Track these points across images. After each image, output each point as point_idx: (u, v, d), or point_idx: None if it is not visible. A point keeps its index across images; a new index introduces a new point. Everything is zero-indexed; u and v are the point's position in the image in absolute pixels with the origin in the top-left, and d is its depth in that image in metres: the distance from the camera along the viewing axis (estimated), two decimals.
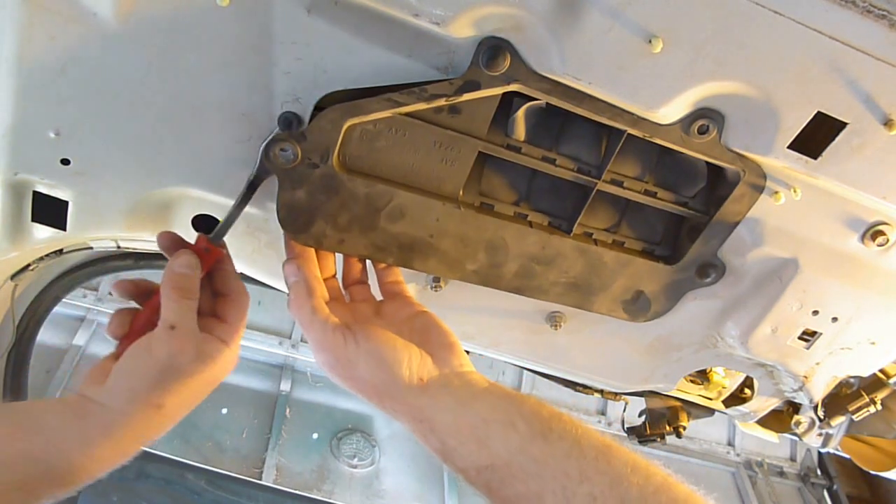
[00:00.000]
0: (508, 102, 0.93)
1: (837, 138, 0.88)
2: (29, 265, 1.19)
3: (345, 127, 0.88)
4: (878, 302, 1.08)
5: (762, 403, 1.40)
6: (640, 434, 1.64)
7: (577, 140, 1.00)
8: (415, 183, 0.97)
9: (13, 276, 1.22)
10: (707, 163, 0.97)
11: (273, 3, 0.80)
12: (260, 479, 3.30)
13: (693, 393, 1.47)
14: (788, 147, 0.90)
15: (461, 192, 1.00)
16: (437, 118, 0.91)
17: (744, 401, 1.43)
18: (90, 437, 0.79)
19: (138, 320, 0.90)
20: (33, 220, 1.02)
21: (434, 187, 0.98)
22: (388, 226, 0.98)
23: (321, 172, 0.91)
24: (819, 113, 0.86)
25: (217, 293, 0.95)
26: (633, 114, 0.89)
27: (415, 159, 0.95)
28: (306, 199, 0.93)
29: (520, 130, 0.96)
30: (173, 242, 0.91)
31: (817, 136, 0.89)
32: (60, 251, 1.16)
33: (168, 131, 0.90)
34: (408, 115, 0.89)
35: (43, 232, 1.04)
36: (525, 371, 1.52)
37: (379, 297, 1.02)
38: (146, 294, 0.93)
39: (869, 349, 1.15)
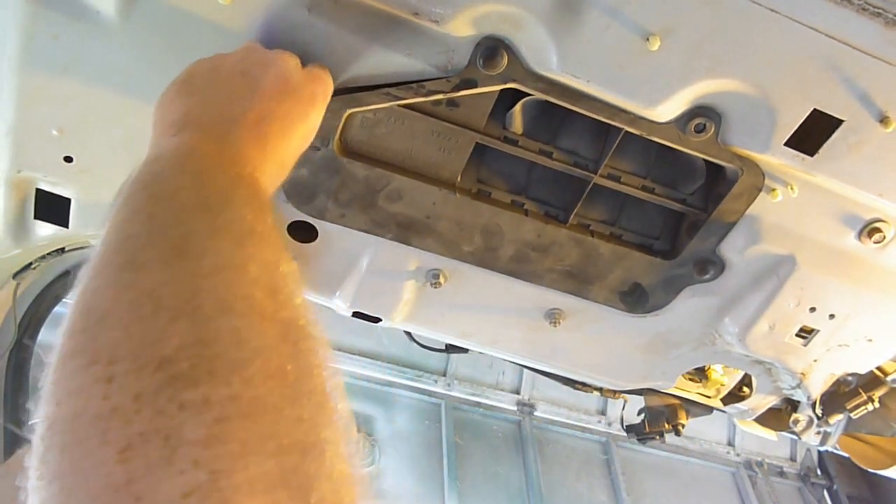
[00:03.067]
0: (508, 94, 0.94)
1: (834, 135, 0.89)
2: (31, 263, 1.20)
3: (345, 115, 0.90)
4: (875, 299, 1.08)
5: (760, 401, 1.40)
6: (639, 432, 1.65)
7: (576, 135, 1.01)
8: (412, 168, 1.00)
9: (15, 275, 1.22)
10: (706, 161, 0.98)
11: (274, 2, 0.80)
12: None
13: (691, 391, 1.48)
14: (785, 144, 0.90)
15: (459, 178, 1.02)
16: (435, 110, 0.93)
17: (742, 398, 1.43)
18: None
19: None
20: (36, 217, 1.02)
21: (431, 173, 1.01)
22: (387, 205, 1.01)
23: (322, 155, 0.94)
24: (815, 110, 0.86)
25: None
26: (630, 112, 0.89)
27: (413, 146, 0.97)
28: (309, 177, 0.97)
29: (517, 124, 0.97)
30: None
31: (814, 133, 0.90)
32: (62, 249, 1.17)
33: None
34: (406, 106, 0.91)
35: (45, 229, 1.04)
36: (525, 369, 1.52)
37: None
38: None
39: (866, 346, 1.15)
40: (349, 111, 0.90)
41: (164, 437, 0.35)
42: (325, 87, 0.79)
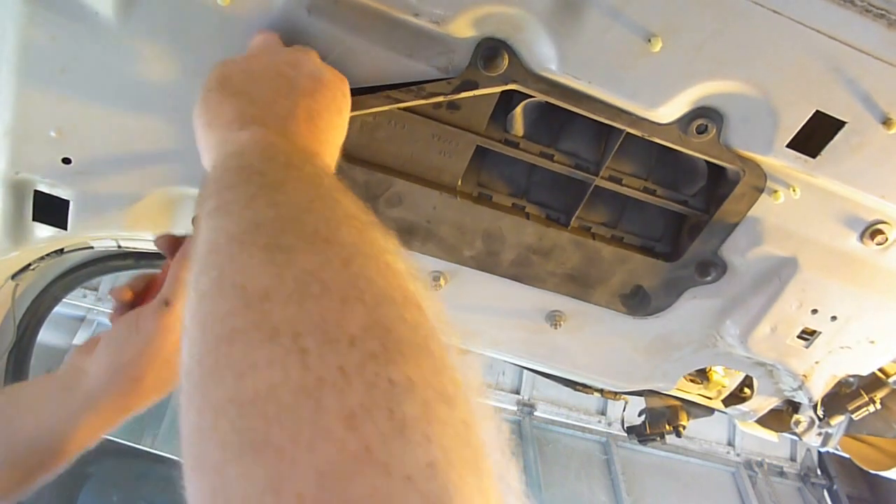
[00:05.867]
0: (509, 97, 0.93)
1: (836, 137, 0.88)
2: (30, 265, 1.19)
3: None
4: (877, 301, 1.08)
5: (762, 402, 1.40)
6: (639, 433, 1.64)
7: (576, 136, 1.00)
8: (413, 172, 0.99)
9: (14, 276, 1.22)
10: (707, 162, 0.97)
11: (273, 3, 0.80)
12: None
13: (693, 392, 1.47)
14: (787, 146, 0.90)
15: (459, 182, 1.01)
16: (436, 113, 0.92)
17: (743, 400, 1.43)
18: (74, 408, 0.80)
19: (145, 291, 0.90)
20: (34, 219, 1.02)
21: (432, 177, 1.00)
22: (387, 210, 1.00)
23: None
24: (818, 112, 0.86)
25: None
26: (631, 113, 0.89)
27: (413, 150, 0.96)
28: None
29: (518, 126, 0.97)
30: (171, 244, 0.91)
31: (816, 135, 0.89)
32: (61, 251, 1.16)
33: (169, 130, 0.91)
34: (406, 109, 0.90)
35: (44, 231, 1.04)
36: (525, 370, 1.52)
37: None
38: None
39: (868, 348, 1.15)
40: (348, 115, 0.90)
41: (389, 410, 0.34)
42: (347, 82, 0.79)
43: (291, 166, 0.55)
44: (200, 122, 0.65)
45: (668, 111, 0.88)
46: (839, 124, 0.87)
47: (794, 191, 0.96)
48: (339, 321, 0.38)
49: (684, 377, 1.37)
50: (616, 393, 1.53)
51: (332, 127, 0.69)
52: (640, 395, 1.54)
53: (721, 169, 0.98)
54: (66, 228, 1.03)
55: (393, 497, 0.31)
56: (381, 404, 0.34)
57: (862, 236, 1.02)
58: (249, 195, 0.48)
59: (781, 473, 4.77)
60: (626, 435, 1.72)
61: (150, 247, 1.21)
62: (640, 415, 1.65)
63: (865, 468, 1.63)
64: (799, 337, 1.13)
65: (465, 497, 0.33)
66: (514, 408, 4.22)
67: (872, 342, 1.14)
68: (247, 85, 0.67)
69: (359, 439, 0.32)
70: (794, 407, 1.43)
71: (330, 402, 0.34)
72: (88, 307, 3.64)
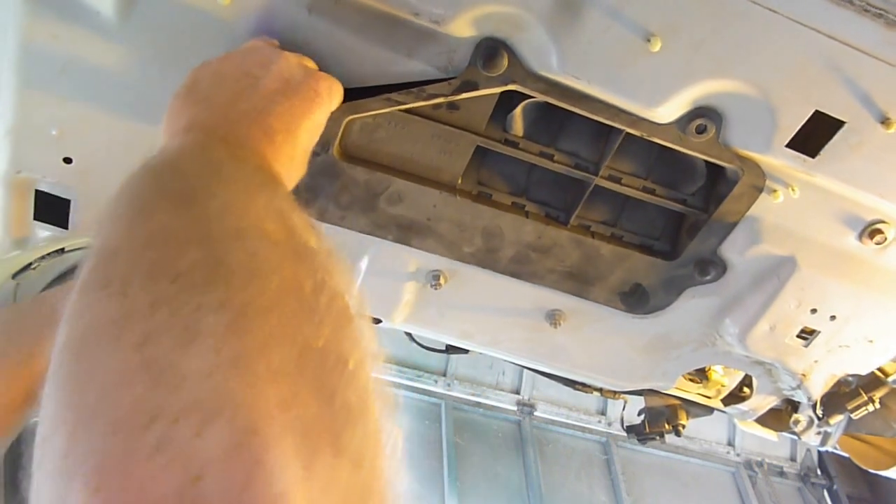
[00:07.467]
0: (509, 97, 0.93)
1: (835, 137, 0.88)
2: (31, 264, 1.19)
3: (344, 122, 0.90)
4: (876, 300, 1.08)
5: (761, 402, 1.40)
6: (639, 433, 1.64)
7: (576, 136, 1.00)
8: (413, 171, 1.00)
9: (15, 276, 1.22)
10: (706, 161, 0.98)
11: (274, 3, 0.80)
12: None
13: (692, 391, 1.47)
14: (786, 146, 0.90)
15: (459, 181, 1.02)
16: (436, 113, 0.93)
17: (743, 399, 1.43)
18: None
19: None
20: (35, 218, 1.02)
21: (432, 176, 1.00)
22: (387, 208, 1.01)
23: (322, 160, 0.94)
24: (817, 111, 0.86)
25: None
26: (631, 113, 0.89)
27: (413, 150, 0.97)
28: (309, 180, 0.97)
29: (518, 126, 0.97)
30: None
31: (815, 134, 0.89)
32: (62, 250, 1.17)
33: None
34: (406, 110, 0.91)
35: (45, 231, 1.04)
36: (525, 369, 1.53)
37: None
38: None
39: (867, 347, 1.15)
40: (348, 118, 0.90)
41: (182, 329, 0.35)
42: (330, 83, 0.78)
43: (206, 153, 0.55)
44: (163, 128, 0.67)
45: (668, 111, 0.88)
46: (838, 124, 0.87)
47: (793, 190, 0.96)
48: (171, 262, 0.39)
49: (683, 376, 1.37)
50: (615, 392, 1.53)
51: (291, 128, 0.68)
52: (640, 395, 1.54)
53: (720, 168, 0.98)
54: (66, 228, 1.03)
55: (150, 403, 0.31)
56: (177, 325, 0.35)
57: (861, 235, 1.02)
58: (137, 180, 0.49)
59: (781, 473, 4.77)
60: (626, 435, 1.73)
61: None
62: (639, 414, 1.66)
63: (865, 468, 1.63)
64: (798, 336, 1.13)
65: (243, 401, 0.33)
66: (514, 408, 4.21)
67: (871, 341, 1.14)
68: (211, 90, 0.68)
69: (142, 358, 0.33)
70: (794, 406, 1.43)
71: (128, 332, 0.35)
72: None
